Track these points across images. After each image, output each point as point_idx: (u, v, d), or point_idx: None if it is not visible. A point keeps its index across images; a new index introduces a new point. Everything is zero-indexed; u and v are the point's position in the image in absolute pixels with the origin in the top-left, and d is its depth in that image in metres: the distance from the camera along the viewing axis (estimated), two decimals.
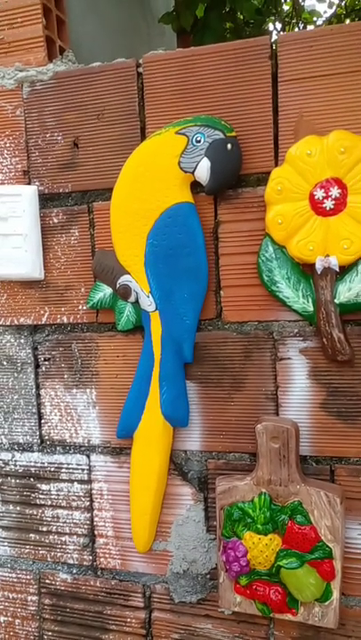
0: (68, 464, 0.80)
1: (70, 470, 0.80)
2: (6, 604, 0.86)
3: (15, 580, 0.85)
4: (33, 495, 0.82)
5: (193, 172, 0.66)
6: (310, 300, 0.65)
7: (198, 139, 0.65)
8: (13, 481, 0.83)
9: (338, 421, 0.68)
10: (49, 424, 0.80)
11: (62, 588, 0.83)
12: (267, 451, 0.66)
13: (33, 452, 0.82)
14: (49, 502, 0.82)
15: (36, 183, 0.76)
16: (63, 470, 0.80)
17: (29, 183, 0.76)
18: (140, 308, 0.72)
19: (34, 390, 0.80)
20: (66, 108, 0.73)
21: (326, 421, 0.68)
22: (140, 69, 0.70)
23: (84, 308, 0.76)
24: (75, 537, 0.81)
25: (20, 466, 0.83)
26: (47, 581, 0.83)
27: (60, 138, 0.74)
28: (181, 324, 0.70)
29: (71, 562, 0.82)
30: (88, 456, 0.79)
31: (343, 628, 0.70)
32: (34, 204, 0.75)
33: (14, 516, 0.84)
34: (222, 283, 0.70)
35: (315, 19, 3.44)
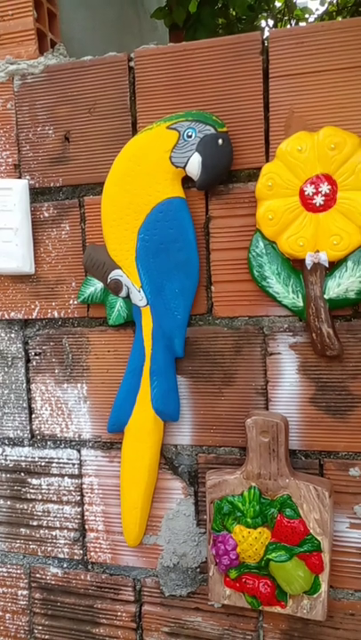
0: (59, 458, 0.80)
1: (61, 465, 0.80)
2: None
3: (5, 574, 0.85)
4: (24, 490, 0.82)
5: (184, 167, 0.66)
6: (300, 295, 0.66)
7: (190, 134, 0.65)
8: (4, 475, 0.83)
9: (327, 416, 0.68)
10: (40, 419, 0.80)
11: (53, 582, 0.83)
12: (256, 445, 0.67)
13: (23, 446, 0.82)
14: (39, 497, 0.82)
15: (27, 177, 0.76)
16: (54, 465, 0.80)
17: (20, 177, 0.76)
18: (131, 302, 0.72)
19: (24, 385, 0.80)
20: (57, 101, 0.73)
21: (315, 416, 0.69)
22: (132, 64, 0.70)
23: (75, 302, 0.76)
24: (65, 531, 0.81)
25: (11, 460, 0.82)
26: (38, 575, 0.83)
27: (51, 132, 0.74)
28: (172, 318, 0.70)
29: (62, 556, 0.82)
30: (79, 450, 0.79)
31: (331, 620, 0.71)
32: (24, 198, 0.74)
33: (5, 510, 0.84)
34: (213, 278, 0.70)
35: (307, 16, 3.45)
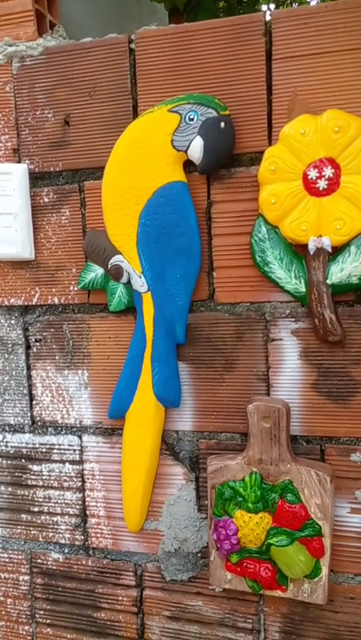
0: (60, 445, 0.80)
1: (62, 451, 0.80)
2: None
3: (7, 559, 0.85)
4: (24, 476, 0.82)
5: (186, 151, 0.65)
6: (303, 280, 0.65)
7: (191, 117, 0.64)
8: (5, 462, 0.83)
9: (328, 401, 0.68)
10: (40, 405, 0.80)
11: (54, 567, 0.83)
12: (258, 430, 0.67)
13: (24, 432, 0.81)
14: (40, 483, 0.82)
15: (27, 161, 0.75)
16: (55, 451, 0.80)
17: (19, 161, 0.75)
18: (132, 288, 0.71)
19: (25, 371, 0.80)
20: (56, 84, 0.72)
21: (317, 401, 0.69)
22: (133, 45, 0.69)
23: (76, 288, 0.76)
24: (66, 517, 0.81)
25: (12, 447, 0.82)
26: (39, 561, 0.84)
27: (50, 115, 0.73)
28: (174, 304, 0.70)
29: (63, 542, 0.82)
30: (80, 437, 0.79)
31: (332, 604, 0.72)
32: (24, 183, 0.74)
33: (6, 496, 0.84)
34: (215, 263, 0.70)
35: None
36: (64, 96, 0.72)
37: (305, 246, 0.64)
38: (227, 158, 0.66)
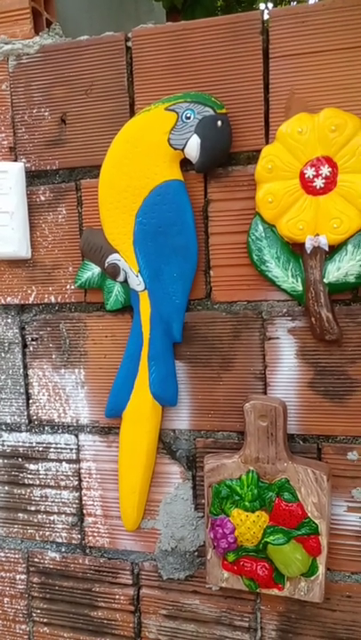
0: (57, 444, 0.80)
1: (59, 450, 0.80)
2: None
3: (4, 558, 0.85)
4: (21, 475, 0.82)
5: (183, 150, 0.65)
6: (299, 279, 0.65)
7: (188, 115, 0.64)
8: (1, 461, 0.83)
9: (325, 400, 0.68)
10: (37, 404, 0.80)
11: (51, 566, 0.83)
12: (255, 429, 0.67)
13: (21, 431, 0.81)
14: (37, 482, 0.82)
15: (23, 160, 0.75)
16: (51, 450, 0.80)
17: (16, 160, 0.75)
18: (129, 287, 0.71)
19: (21, 370, 0.80)
20: (53, 82, 0.72)
21: (314, 400, 0.69)
22: (129, 44, 0.68)
23: (72, 287, 0.76)
24: (63, 516, 0.81)
25: (8, 446, 0.82)
26: (36, 560, 0.84)
27: (47, 113, 0.73)
28: (171, 303, 0.70)
29: (60, 540, 0.82)
30: (77, 435, 0.79)
31: (328, 602, 0.72)
32: (20, 182, 0.73)
33: (2, 495, 0.84)
34: (212, 262, 0.70)
35: None
36: (60, 94, 0.72)
37: (302, 245, 0.64)
38: (224, 157, 0.66)
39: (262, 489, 0.67)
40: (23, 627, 0.86)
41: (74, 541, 0.82)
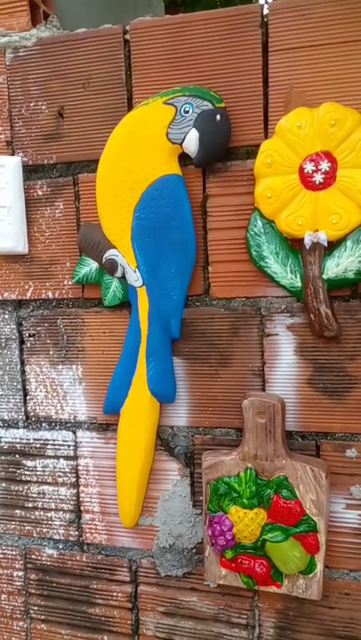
0: (54, 440, 0.79)
1: (56, 446, 0.79)
2: None
3: (1, 555, 0.85)
4: (18, 471, 0.82)
5: (181, 144, 0.64)
6: (298, 275, 0.65)
7: (187, 109, 0.63)
8: None
9: (324, 397, 0.68)
10: (34, 400, 0.80)
11: (48, 563, 0.83)
12: (253, 426, 0.66)
13: (18, 428, 0.81)
14: (35, 478, 0.81)
15: (20, 154, 0.74)
16: (49, 446, 0.80)
17: (13, 154, 0.74)
18: (127, 283, 0.71)
19: (19, 366, 0.79)
20: (50, 76, 0.71)
21: (312, 397, 0.68)
22: (127, 36, 0.68)
23: (70, 283, 0.75)
24: (61, 513, 0.81)
25: (6, 442, 0.82)
26: (33, 557, 0.83)
27: (44, 107, 0.72)
28: (169, 299, 0.69)
29: (57, 537, 0.82)
30: (74, 432, 0.78)
31: (326, 600, 0.72)
32: (17, 176, 0.73)
33: (0, 492, 0.84)
34: (210, 258, 0.69)
35: None
36: (58, 88, 0.71)
37: (301, 241, 0.63)
38: (222, 151, 0.65)
39: (260, 486, 0.67)
40: (20, 623, 0.86)
41: (71, 538, 0.81)
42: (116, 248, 0.69)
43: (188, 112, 0.63)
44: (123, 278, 0.71)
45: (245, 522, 0.67)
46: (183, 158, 0.66)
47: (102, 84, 0.69)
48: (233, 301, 0.69)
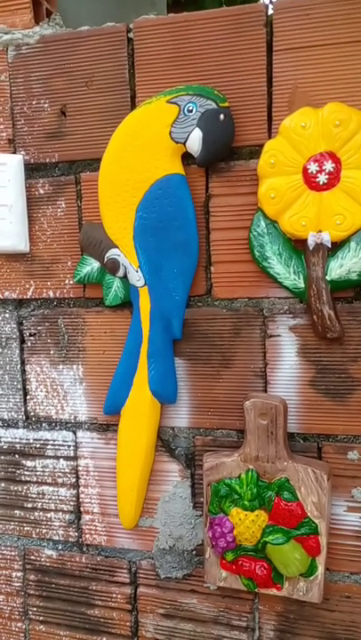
0: (54, 440, 0.79)
1: (56, 447, 0.79)
2: None
3: (0, 556, 0.84)
4: (18, 472, 0.82)
5: (184, 143, 0.64)
6: (301, 276, 0.65)
7: (190, 108, 0.63)
8: None
9: (326, 399, 0.67)
10: (34, 400, 0.79)
11: (47, 564, 0.82)
12: (255, 427, 0.66)
13: (18, 428, 0.80)
14: (34, 479, 0.81)
15: (22, 152, 0.73)
16: (49, 447, 0.79)
17: (15, 152, 0.74)
18: (129, 282, 0.70)
19: (19, 366, 0.79)
20: (53, 73, 0.70)
21: (314, 399, 0.68)
22: (131, 35, 0.67)
23: (71, 282, 0.75)
24: (60, 513, 0.81)
25: (5, 442, 0.81)
26: (32, 557, 0.83)
27: (46, 105, 0.71)
28: (171, 299, 0.69)
29: (56, 538, 0.81)
30: (74, 432, 0.78)
31: (327, 603, 0.71)
32: (19, 174, 0.72)
33: None
34: (213, 258, 0.69)
35: None
36: (61, 86, 0.70)
37: (304, 241, 0.63)
38: (226, 151, 0.65)
39: (262, 488, 0.67)
40: (19, 624, 0.85)
41: (71, 539, 0.81)
42: (118, 247, 0.69)
43: (191, 111, 0.63)
44: (124, 278, 0.70)
45: (246, 524, 0.67)
46: (186, 158, 0.66)
47: (105, 82, 0.69)
48: (235, 302, 0.69)
